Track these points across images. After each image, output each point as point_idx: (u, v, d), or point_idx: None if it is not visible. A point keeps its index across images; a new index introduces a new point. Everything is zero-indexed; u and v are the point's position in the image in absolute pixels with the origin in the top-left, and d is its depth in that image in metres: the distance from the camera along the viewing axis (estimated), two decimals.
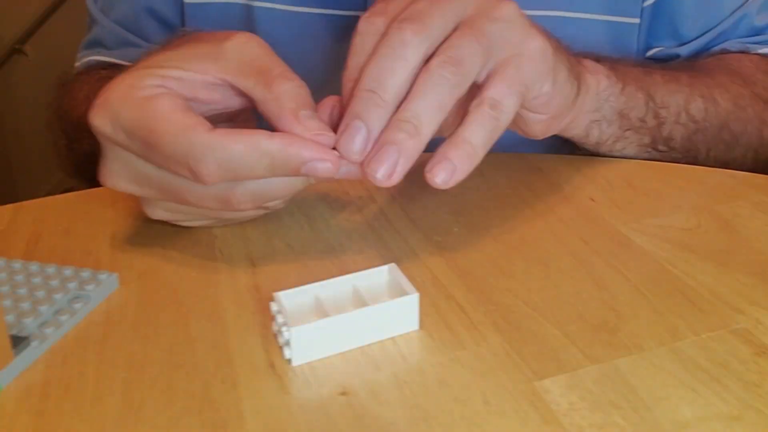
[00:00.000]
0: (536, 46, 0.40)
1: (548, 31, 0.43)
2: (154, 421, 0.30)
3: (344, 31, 0.60)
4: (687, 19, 0.62)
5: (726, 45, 0.62)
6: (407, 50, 0.36)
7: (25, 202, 0.48)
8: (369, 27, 0.38)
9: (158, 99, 0.37)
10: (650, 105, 0.51)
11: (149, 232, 0.44)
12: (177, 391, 0.32)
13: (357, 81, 0.37)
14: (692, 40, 0.62)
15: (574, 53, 0.47)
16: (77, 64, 0.68)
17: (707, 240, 0.42)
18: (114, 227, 0.44)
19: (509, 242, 0.42)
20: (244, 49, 0.39)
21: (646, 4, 0.61)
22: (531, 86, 0.40)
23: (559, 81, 0.43)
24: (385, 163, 0.35)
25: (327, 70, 0.61)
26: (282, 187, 0.38)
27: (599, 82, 0.49)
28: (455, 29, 0.38)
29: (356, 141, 0.36)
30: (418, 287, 0.35)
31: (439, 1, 0.38)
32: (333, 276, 0.35)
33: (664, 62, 0.61)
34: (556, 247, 0.41)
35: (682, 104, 0.53)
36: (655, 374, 0.32)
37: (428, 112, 0.36)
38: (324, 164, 0.36)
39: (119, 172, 0.40)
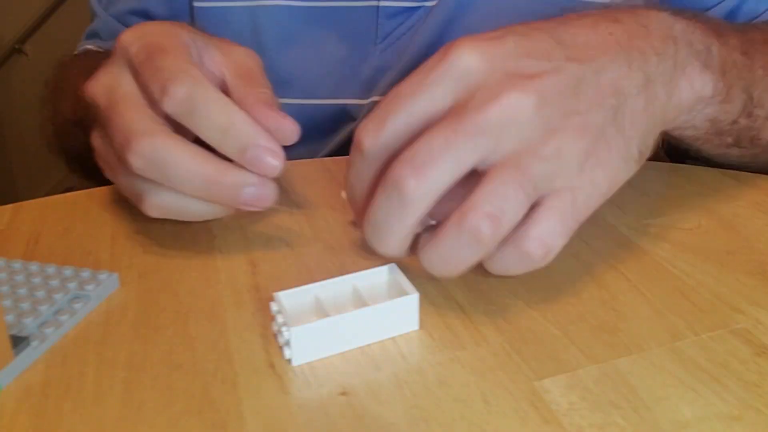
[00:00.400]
0: (599, 177, 0.34)
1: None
2: (154, 421, 0.30)
3: (347, 22, 0.60)
4: None
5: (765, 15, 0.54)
6: (407, 210, 0.32)
7: (25, 202, 0.48)
8: (361, 158, 0.35)
9: (179, 31, 0.41)
10: (747, 105, 0.44)
11: (149, 232, 0.44)
12: (177, 391, 0.32)
13: (358, 202, 0.36)
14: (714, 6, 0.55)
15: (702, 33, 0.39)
16: (76, 51, 0.70)
17: (707, 240, 0.42)
18: (114, 227, 0.44)
19: None
20: (247, 57, 0.43)
21: None
22: (587, 213, 0.35)
23: (639, 145, 0.36)
24: None
25: (333, 62, 0.61)
26: (200, 211, 0.39)
27: (703, 88, 0.40)
28: (491, 168, 0.32)
29: None
30: (418, 287, 0.35)
31: (458, 134, 0.32)
32: (333, 276, 0.35)
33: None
34: None
35: None
36: (655, 374, 0.32)
37: (443, 269, 0.34)
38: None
39: (97, 134, 0.42)
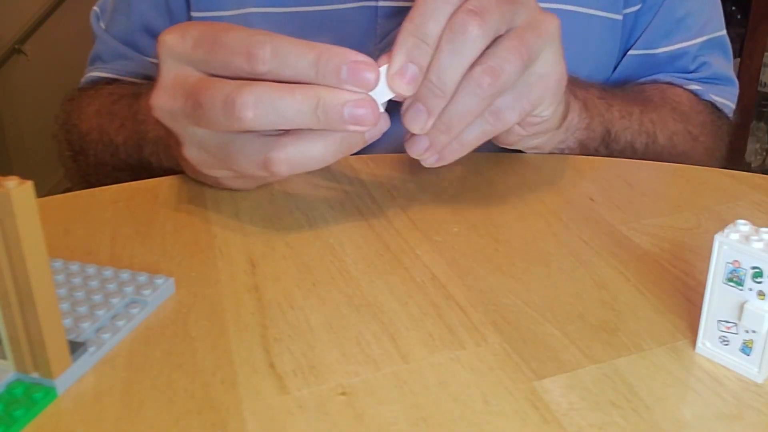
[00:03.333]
0: (559, 74, 0.43)
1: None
2: (154, 421, 0.30)
3: (345, 24, 0.60)
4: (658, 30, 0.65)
5: (659, 77, 0.66)
6: (468, 46, 0.38)
7: None
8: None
9: (204, 77, 0.40)
10: (606, 139, 0.57)
11: (149, 231, 0.44)
12: (177, 391, 0.32)
13: (416, 36, 0.39)
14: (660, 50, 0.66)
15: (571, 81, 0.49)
16: (82, 79, 0.69)
17: (707, 240, 0.42)
18: (114, 227, 0.44)
19: (509, 242, 0.42)
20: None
21: (627, 11, 0.63)
22: (536, 107, 0.43)
23: (558, 111, 0.47)
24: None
25: None
26: (320, 151, 0.39)
27: (573, 118, 0.53)
28: (506, 34, 0.40)
29: (418, 120, 0.40)
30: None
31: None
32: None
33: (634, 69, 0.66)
34: (556, 247, 0.41)
35: (630, 139, 0.59)
36: (655, 374, 0.32)
37: (459, 117, 0.40)
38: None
39: (190, 145, 0.42)
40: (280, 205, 0.46)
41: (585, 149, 0.55)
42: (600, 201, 0.46)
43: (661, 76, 0.66)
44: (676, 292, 0.37)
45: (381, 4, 0.59)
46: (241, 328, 0.35)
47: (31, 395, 0.31)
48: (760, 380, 0.31)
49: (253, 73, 0.38)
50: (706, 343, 0.33)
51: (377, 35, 0.60)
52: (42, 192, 0.34)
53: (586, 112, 0.54)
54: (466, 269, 0.39)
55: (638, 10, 0.64)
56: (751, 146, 1.80)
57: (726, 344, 0.32)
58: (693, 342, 0.33)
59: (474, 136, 0.42)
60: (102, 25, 0.69)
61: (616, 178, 0.49)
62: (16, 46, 2.02)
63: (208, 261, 0.41)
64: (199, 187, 0.49)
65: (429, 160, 0.41)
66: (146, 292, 0.37)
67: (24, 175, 0.29)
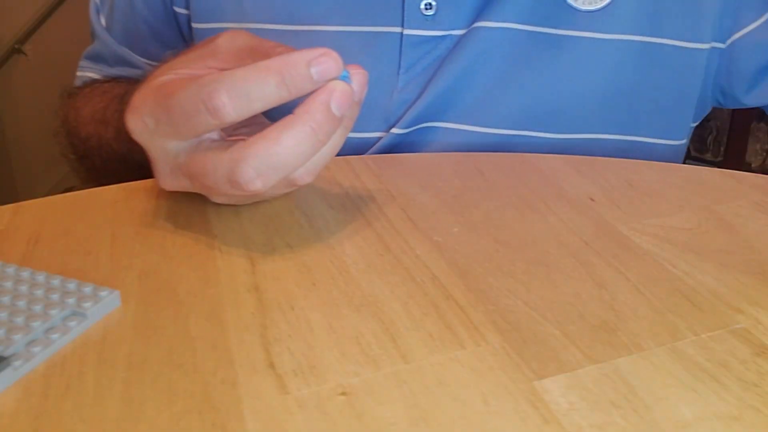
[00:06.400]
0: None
1: None
2: (154, 421, 0.30)
3: (368, 49, 0.57)
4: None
5: None
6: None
7: (25, 202, 0.48)
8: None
9: (169, 79, 0.40)
10: None
11: (149, 231, 0.44)
12: (177, 391, 0.32)
13: None
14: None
15: None
16: (78, 73, 0.69)
17: (707, 240, 0.42)
18: (114, 227, 0.44)
19: (509, 242, 0.42)
20: (235, 40, 0.41)
21: (734, 37, 0.57)
22: None
23: None
24: None
25: None
26: (287, 154, 0.37)
27: None
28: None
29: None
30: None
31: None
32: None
33: None
34: (556, 247, 0.41)
35: None
36: (655, 374, 0.32)
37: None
38: (330, 58, 0.36)
39: (164, 170, 0.42)
40: (280, 205, 0.46)
41: None
42: (600, 201, 0.46)
43: None
44: (676, 292, 0.37)
45: (407, 32, 0.56)
46: (241, 328, 0.35)
47: None
48: None
49: (225, 124, 0.37)
50: None
51: (401, 66, 0.57)
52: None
53: None
54: (466, 269, 0.39)
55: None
56: (751, 146, 1.81)
57: None
58: (693, 342, 0.33)
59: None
60: (102, 20, 0.68)
61: (616, 178, 0.49)
62: (16, 46, 2.02)
63: (208, 261, 0.41)
64: None
65: None
66: (87, 304, 0.36)
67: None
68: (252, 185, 0.37)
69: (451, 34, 0.57)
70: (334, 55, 0.37)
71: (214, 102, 0.36)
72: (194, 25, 0.62)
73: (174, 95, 0.38)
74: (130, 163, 0.57)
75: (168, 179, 0.42)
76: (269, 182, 0.37)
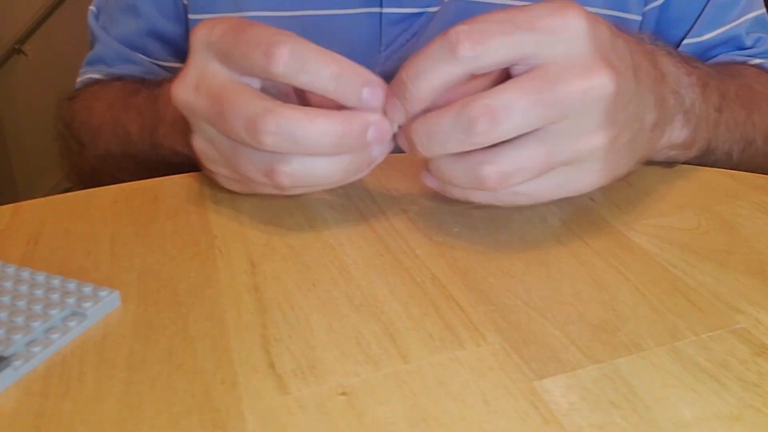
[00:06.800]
0: (607, 164, 0.38)
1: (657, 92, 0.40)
2: (154, 421, 0.30)
3: (349, 30, 0.60)
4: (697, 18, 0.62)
5: (720, 58, 0.63)
6: (448, 65, 0.35)
7: (25, 202, 0.48)
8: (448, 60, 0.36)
9: (232, 82, 0.40)
10: (703, 152, 0.51)
11: (149, 232, 0.44)
12: (177, 391, 0.32)
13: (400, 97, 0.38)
14: (701, 37, 0.62)
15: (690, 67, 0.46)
16: (78, 79, 0.69)
17: (707, 240, 0.42)
18: (114, 227, 0.44)
19: (509, 242, 0.42)
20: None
21: (648, 7, 0.61)
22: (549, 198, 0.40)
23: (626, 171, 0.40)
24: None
25: None
26: (325, 169, 0.39)
27: (677, 139, 0.46)
28: (530, 71, 0.35)
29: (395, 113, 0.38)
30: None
31: (513, 27, 0.35)
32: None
33: None
34: (556, 248, 0.41)
35: (727, 150, 0.53)
36: (655, 374, 0.32)
37: (425, 144, 0.37)
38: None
39: (190, 79, 0.41)
40: (280, 206, 0.46)
41: (673, 163, 0.50)
42: (600, 201, 0.46)
43: (721, 57, 0.62)
44: (676, 292, 0.37)
45: (385, 11, 0.59)
46: (241, 328, 0.35)
47: None
48: None
49: (268, 73, 0.37)
50: None
51: (382, 43, 0.60)
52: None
53: (694, 136, 0.47)
54: (466, 269, 0.39)
55: (662, 4, 0.61)
56: None
57: None
58: (693, 342, 0.33)
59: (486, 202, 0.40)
60: (101, 24, 0.68)
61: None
62: (16, 46, 2.01)
63: (208, 261, 0.41)
64: (199, 187, 0.49)
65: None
66: (87, 304, 0.36)
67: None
68: (263, 137, 0.37)
69: (426, 12, 0.59)
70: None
71: (274, 48, 0.37)
72: (191, 16, 0.62)
73: (252, 28, 0.38)
74: (133, 140, 0.57)
75: (186, 88, 0.41)
76: (279, 146, 0.37)
